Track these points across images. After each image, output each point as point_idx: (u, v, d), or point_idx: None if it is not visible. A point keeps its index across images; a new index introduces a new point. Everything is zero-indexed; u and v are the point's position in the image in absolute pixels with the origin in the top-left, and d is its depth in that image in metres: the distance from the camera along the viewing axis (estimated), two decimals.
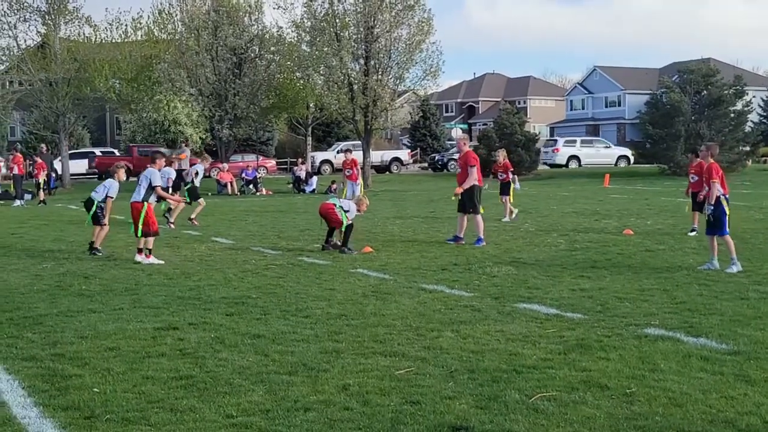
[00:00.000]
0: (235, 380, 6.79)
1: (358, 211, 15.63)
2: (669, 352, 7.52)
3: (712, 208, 12.45)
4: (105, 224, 15.29)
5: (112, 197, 15.23)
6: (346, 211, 15.14)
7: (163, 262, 13.98)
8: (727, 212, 12.54)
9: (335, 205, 15.33)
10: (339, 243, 15.15)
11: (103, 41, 44.66)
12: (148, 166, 14.86)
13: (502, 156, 22.53)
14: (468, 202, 16.06)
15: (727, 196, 12.61)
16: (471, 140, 77.34)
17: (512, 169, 21.94)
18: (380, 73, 42.40)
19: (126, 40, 45.36)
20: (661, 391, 6.35)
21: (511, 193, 21.53)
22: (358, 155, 47.30)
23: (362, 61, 42.58)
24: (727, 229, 12.47)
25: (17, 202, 31.05)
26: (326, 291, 11.06)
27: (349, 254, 14.59)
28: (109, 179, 15.40)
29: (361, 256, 14.56)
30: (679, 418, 5.72)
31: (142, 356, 7.59)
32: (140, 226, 14.11)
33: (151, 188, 14.43)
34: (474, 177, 16.02)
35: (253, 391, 6.48)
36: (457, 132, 73.19)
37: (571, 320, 9.04)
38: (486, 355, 7.57)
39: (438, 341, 8.12)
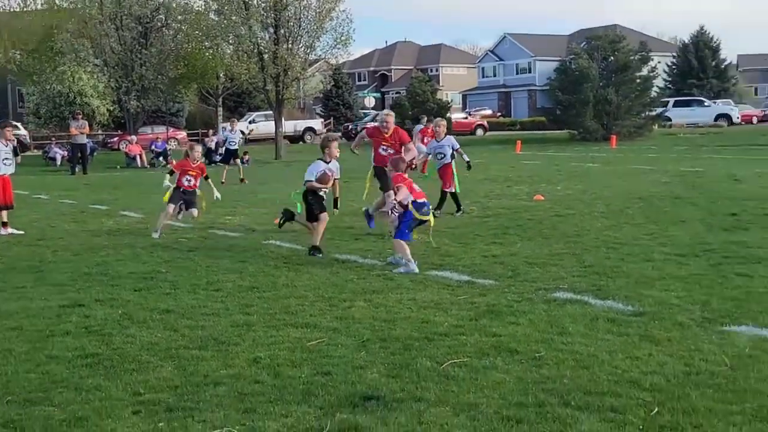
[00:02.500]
0: (143, 357, 6.66)
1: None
2: (577, 315, 7.63)
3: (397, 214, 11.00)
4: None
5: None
6: None
7: (23, 231, 14.36)
8: (415, 218, 10.74)
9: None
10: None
11: (1, 9, 43.16)
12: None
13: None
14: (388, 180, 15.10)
15: (420, 201, 10.85)
16: (384, 108, 77.33)
17: None
18: (290, 42, 41.94)
19: (25, 8, 43.88)
20: (569, 353, 6.44)
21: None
22: (270, 126, 46.99)
23: (272, 30, 42.03)
24: (407, 236, 10.60)
25: None
26: (238, 263, 10.93)
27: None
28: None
29: (273, 227, 14.42)
30: (586, 380, 5.81)
31: (45, 335, 7.38)
32: None
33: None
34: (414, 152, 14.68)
35: (162, 368, 6.36)
36: (371, 102, 72.93)
37: (483, 286, 9.11)
38: (398, 323, 7.57)
39: (350, 311, 8.09)
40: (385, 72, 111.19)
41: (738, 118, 60.12)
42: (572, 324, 7.33)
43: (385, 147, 13.78)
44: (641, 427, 4.94)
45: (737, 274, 9.27)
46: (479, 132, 63.54)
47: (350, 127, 62.10)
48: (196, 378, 6.10)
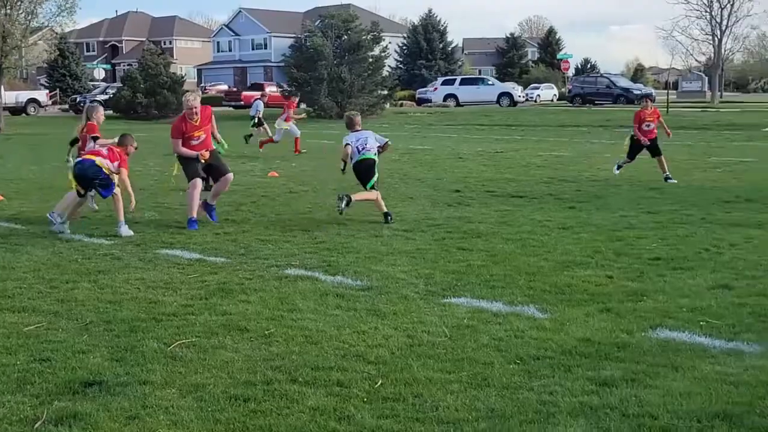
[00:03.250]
0: None
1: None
2: (307, 292, 7.71)
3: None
4: None
5: None
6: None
7: None
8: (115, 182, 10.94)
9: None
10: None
11: None
12: None
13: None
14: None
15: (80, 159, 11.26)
16: (115, 81, 74.24)
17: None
18: (9, 7, 39.31)
19: None
20: (298, 330, 6.49)
21: None
22: None
23: None
24: (113, 191, 10.95)
25: None
26: None
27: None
28: None
29: None
30: (314, 355, 5.88)
31: None
32: None
33: None
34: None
35: None
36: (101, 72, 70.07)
37: (214, 264, 8.99)
38: (124, 304, 7.32)
39: (73, 293, 7.72)
40: (116, 43, 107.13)
41: (520, 96, 62.19)
42: (302, 300, 7.40)
43: (198, 137, 11.56)
44: (365, 399, 5.07)
45: (459, 248, 9.75)
46: (302, 105, 62.92)
47: (78, 99, 59.28)
48: None
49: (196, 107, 11.48)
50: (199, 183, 11.61)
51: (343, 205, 11.58)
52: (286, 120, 23.65)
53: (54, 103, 64.53)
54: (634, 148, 16.82)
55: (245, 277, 8.34)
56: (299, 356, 5.87)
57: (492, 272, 8.44)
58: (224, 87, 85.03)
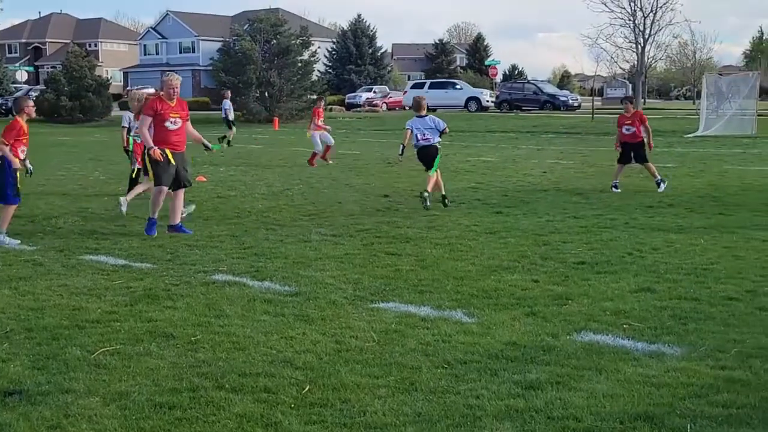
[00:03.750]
0: None
1: None
2: (235, 298, 7.65)
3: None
4: None
5: None
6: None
7: None
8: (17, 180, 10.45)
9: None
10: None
11: None
12: None
13: None
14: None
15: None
16: (38, 83, 72.71)
17: None
18: None
19: None
20: (225, 336, 6.43)
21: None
22: None
23: None
24: (12, 199, 10.50)
25: None
26: None
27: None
28: None
29: None
30: (241, 362, 5.83)
31: None
32: None
33: None
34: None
35: None
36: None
37: (140, 270, 8.87)
38: (47, 311, 7.17)
39: None
40: (39, 45, 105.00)
41: (488, 101, 60.02)
42: (230, 306, 7.34)
43: (173, 120, 11.09)
44: (293, 405, 5.04)
45: (387, 253, 9.76)
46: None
47: (0, 102, 57.92)
48: None
49: (177, 87, 11.15)
50: (164, 191, 11.19)
51: (428, 203, 13.25)
52: (317, 129, 22.34)
53: None
54: (624, 149, 15.95)
55: (172, 283, 8.24)
56: (226, 362, 5.82)
57: (420, 277, 8.48)
58: (151, 90, 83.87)
